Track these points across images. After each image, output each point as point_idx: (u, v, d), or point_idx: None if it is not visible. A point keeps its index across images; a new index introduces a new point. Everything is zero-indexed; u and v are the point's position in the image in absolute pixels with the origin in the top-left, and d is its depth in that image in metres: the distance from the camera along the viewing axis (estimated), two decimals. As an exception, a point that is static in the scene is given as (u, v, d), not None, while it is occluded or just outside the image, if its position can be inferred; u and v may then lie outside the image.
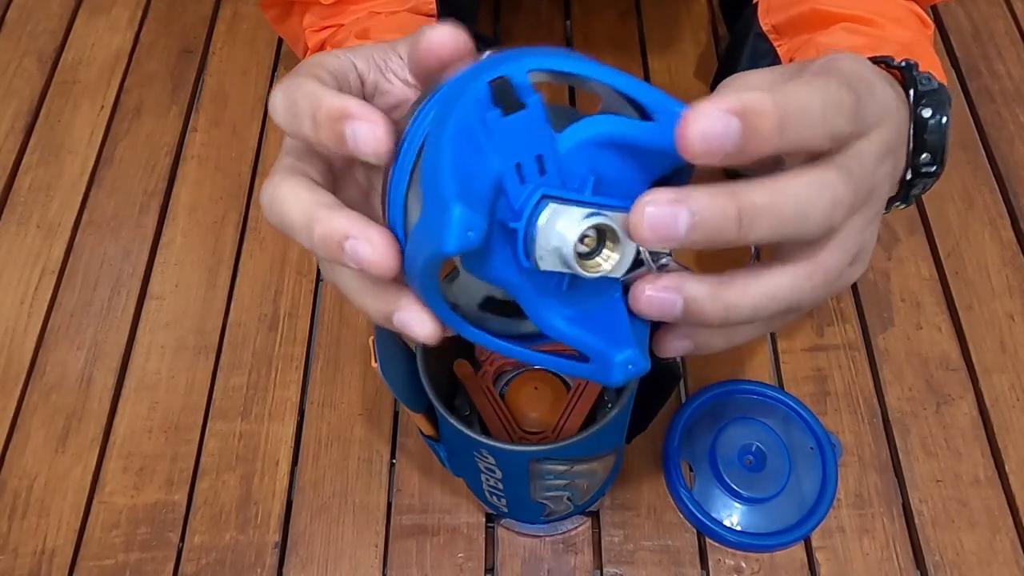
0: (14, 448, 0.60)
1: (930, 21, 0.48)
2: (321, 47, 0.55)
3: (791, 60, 0.47)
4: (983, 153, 0.72)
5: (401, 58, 0.34)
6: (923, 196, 0.69)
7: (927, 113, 0.37)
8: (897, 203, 0.40)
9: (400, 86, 0.34)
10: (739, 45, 0.54)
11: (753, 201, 0.25)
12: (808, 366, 0.62)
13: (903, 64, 0.38)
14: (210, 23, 0.82)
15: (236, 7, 0.83)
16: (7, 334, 0.64)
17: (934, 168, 0.37)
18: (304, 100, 0.28)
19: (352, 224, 0.26)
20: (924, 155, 0.37)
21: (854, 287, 0.66)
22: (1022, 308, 0.65)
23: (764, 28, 0.51)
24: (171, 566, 0.56)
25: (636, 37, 0.79)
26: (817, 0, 0.47)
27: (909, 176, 0.38)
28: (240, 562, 0.56)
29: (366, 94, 0.33)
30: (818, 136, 0.26)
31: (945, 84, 0.38)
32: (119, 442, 0.60)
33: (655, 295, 0.27)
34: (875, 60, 0.38)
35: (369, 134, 0.26)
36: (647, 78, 0.76)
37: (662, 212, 0.24)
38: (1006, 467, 0.58)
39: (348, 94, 0.28)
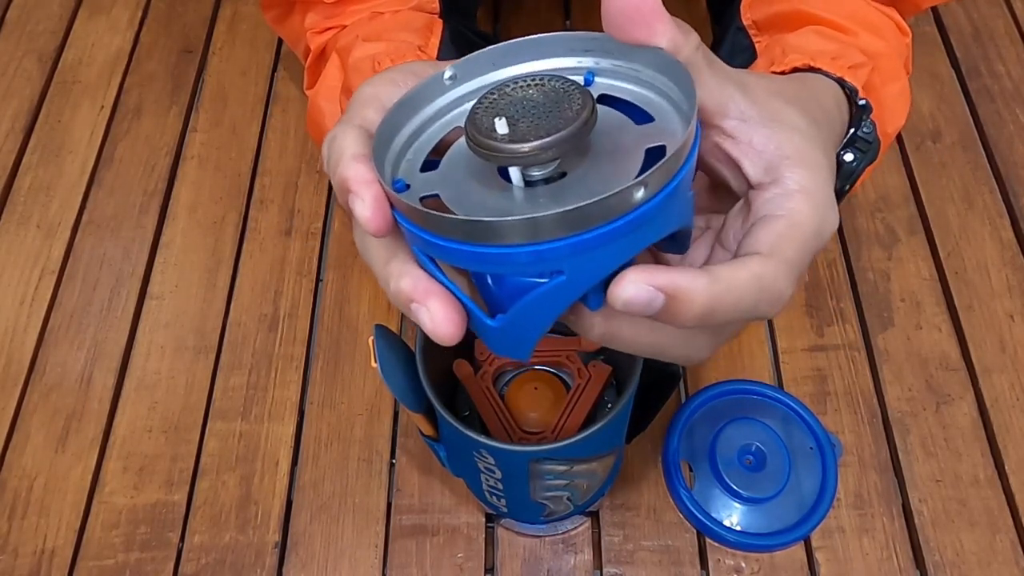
0: (14, 448, 0.60)
1: (908, 29, 0.49)
2: (323, 50, 0.55)
3: (762, 55, 0.47)
4: (983, 153, 0.72)
5: None
6: (923, 197, 0.70)
7: (849, 157, 0.40)
8: None
9: None
10: (721, 39, 0.55)
11: (714, 293, 0.26)
12: (808, 366, 0.62)
13: (861, 103, 0.40)
14: (210, 23, 0.82)
15: (236, 7, 0.83)
16: (7, 334, 0.64)
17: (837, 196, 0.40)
18: (332, 162, 0.29)
19: (415, 290, 0.28)
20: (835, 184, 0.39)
21: (854, 287, 0.66)
22: (1022, 308, 0.65)
23: (745, 23, 0.51)
24: (171, 566, 0.56)
25: (636, 37, 0.79)
26: (801, 0, 0.47)
27: None
28: (240, 562, 0.56)
29: None
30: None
31: (906, 102, 0.42)
32: (119, 442, 0.60)
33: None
34: (842, 83, 0.41)
35: (361, 212, 0.27)
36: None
37: (637, 292, 0.25)
38: (1006, 467, 0.58)
39: (365, 157, 0.28)
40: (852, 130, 0.40)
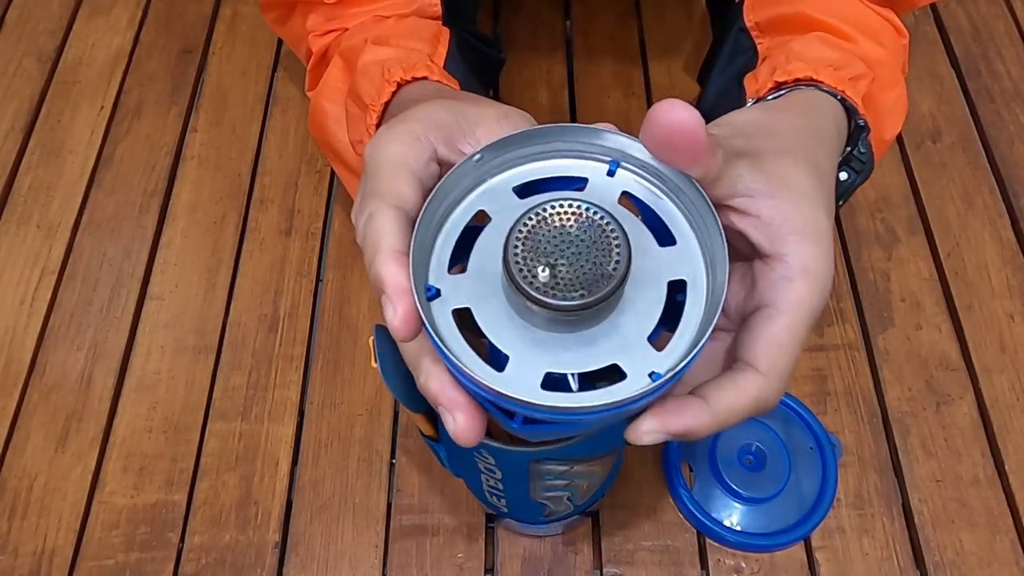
0: (14, 448, 0.60)
1: (905, 31, 0.50)
2: (325, 52, 0.55)
3: (763, 60, 0.47)
4: (983, 153, 0.72)
5: (478, 140, 0.34)
6: (923, 197, 0.70)
7: (843, 176, 0.41)
8: None
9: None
10: (722, 40, 0.55)
11: (725, 416, 0.31)
12: (808, 366, 0.62)
13: (860, 123, 0.42)
14: (210, 23, 0.82)
15: (236, 7, 0.83)
16: (7, 334, 0.64)
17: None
18: (370, 248, 0.30)
19: (441, 394, 0.30)
20: None
21: (854, 287, 0.66)
22: (1022, 308, 0.65)
23: (748, 24, 0.51)
24: (171, 566, 0.56)
25: (636, 38, 0.79)
26: (804, 3, 0.47)
27: None
28: (240, 562, 0.56)
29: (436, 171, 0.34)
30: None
31: (903, 106, 0.43)
32: (119, 442, 0.60)
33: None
34: (842, 100, 0.42)
35: (391, 317, 0.29)
36: (647, 79, 0.76)
37: (658, 438, 0.30)
38: (1006, 467, 0.58)
39: (402, 255, 0.29)
40: (848, 148, 0.41)
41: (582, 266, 0.28)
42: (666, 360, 0.29)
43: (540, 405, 0.27)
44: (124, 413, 0.61)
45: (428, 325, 0.28)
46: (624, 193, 0.32)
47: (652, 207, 0.31)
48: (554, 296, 0.27)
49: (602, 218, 0.28)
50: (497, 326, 0.29)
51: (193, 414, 0.61)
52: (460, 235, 0.31)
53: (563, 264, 0.28)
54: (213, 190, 0.71)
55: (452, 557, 0.56)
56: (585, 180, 0.32)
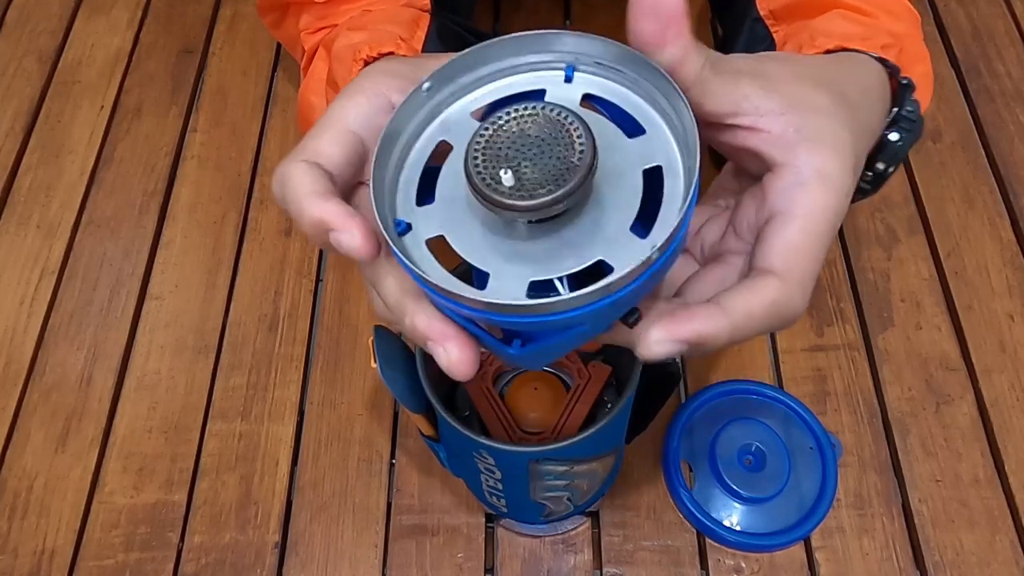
0: (14, 448, 0.60)
1: (917, 12, 0.49)
2: (316, 49, 0.55)
3: (784, 45, 0.47)
4: (983, 153, 0.72)
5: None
6: (923, 197, 0.70)
7: (894, 136, 0.39)
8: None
9: None
10: (735, 33, 0.55)
11: (739, 326, 0.29)
12: (808, 366, 0.62)
13: (904, 81, 0.40)
14: (210, 23, 0.82)
15: (236, 7, 0.83)
16: (7, 334, 0.64)
17: (868, 188, 0.41)
18: (292, 203, 0.29)
19: (430, 329, 0.29)
20: (867, 172, 0.40)
21: (854, 287, 0.66)
22: (1022, 308, 0.65)
23: (762, 13, 0.51)
24: (171, 566, 0.56)
25: (636, 37, 0.79)
26: None
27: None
28: (240, 562, 0.56)
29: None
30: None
31: (930, 81, 0.41)
32: (119, 442, 0.60)
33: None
34: (883, 61, 0.40)
35: (351, 242, 0.28)
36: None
37: (672, 349, 0.28)
38: (1006, 467, 0.58)
39: (329, 193, 0.29)
40: (896, 109, 0.39)
41: (546, 163, 0.27)
42: (651, 245, 0.27)
43: (530, 307, 0.26)
44: (124, 413, 0.61)
45: (404, 259, 0.27)
46: (585, 96, 0.31)
47: (616, 102, 0.30)
48: (521, 198, 0.26)
49: (560, 114, 0.28)
50: (473, 248, 0.28)
51: (193, 414, 0.61)
52: (424, 170, 0.30)
53: (526, 165, 0.27)
54: (213, 190, 0.71)
55: (452, 557, 0.56)
56: (543, 92, 0.31)
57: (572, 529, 0.56)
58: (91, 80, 0.78)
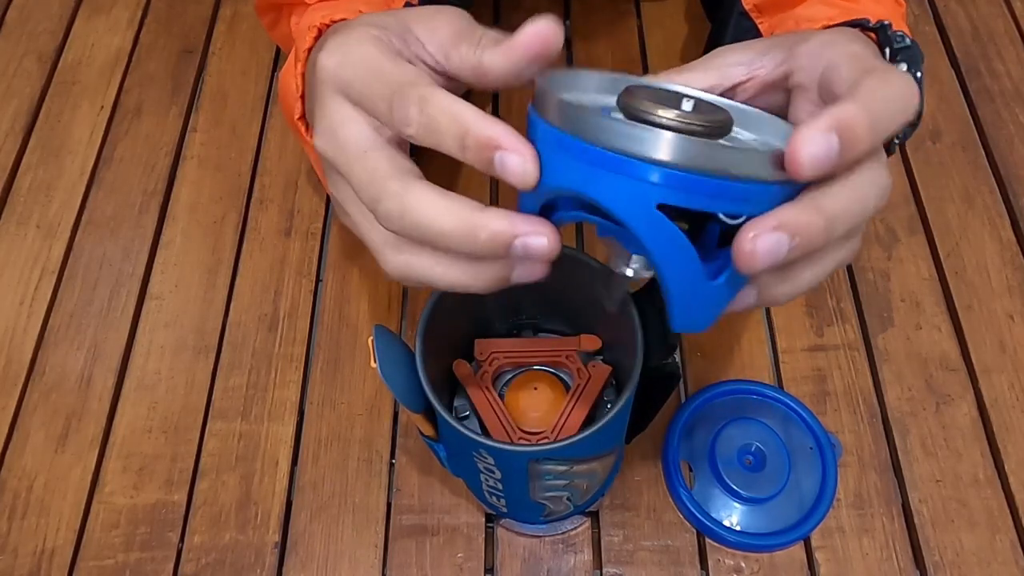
0: (14, 448, 0.60)
1: (903, 3, 0.50)
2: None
3: (773, 33, 0.49)
4: (983, 153, 0.72)
5: (418, 39, 0.35)
6: (923, 197, 0.70)
7: (903, 68, 0.39)
8: None
9: (424, 71, 0.35)
10: (723, 27, 0.56)
11: (834, 211, 0.28)
12: (807, 366, 0.62)
13: (877, 25, 0.41)
14: (210, 23, 0.82)
15: (236, 7, 0.83)
16: (7, 334, 0.64)
17: (911, 123, 0.41)
18: (446, 120, 0.29)
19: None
20: None
21: (854, 287, 0.66)
22: (1022, 308, 0.65)
23: (747, 7, 0.53)
24: (171, 566, 0.56)
25: (635, 35, 0.79)
26: None
27: None
28: (240, 562, 0.56)
29: None
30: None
31: (915, 41, 0.41)
32: (119, 442, 0.60)
33: (767, 239, 0.27)
34: (851, 24, 0.42)
35: (519, 167, 0.28)
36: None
37: (769, 241, 0.27)
38: (1006, 467, 0.58)
39: (492, 120, 0.29)
40: (887, 49, 0.40)
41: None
42: None
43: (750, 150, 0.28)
44: (124, 413, 0.61)
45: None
46: None
47: None
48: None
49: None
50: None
51: (193, 414, 0.61)
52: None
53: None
54: (213, 190, 0.71)
55: (452, 557, 0.56)
56: None
57: (572, 529, 0.56)
58: (91, 80, 0.78)
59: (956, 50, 0.78)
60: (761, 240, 0.26)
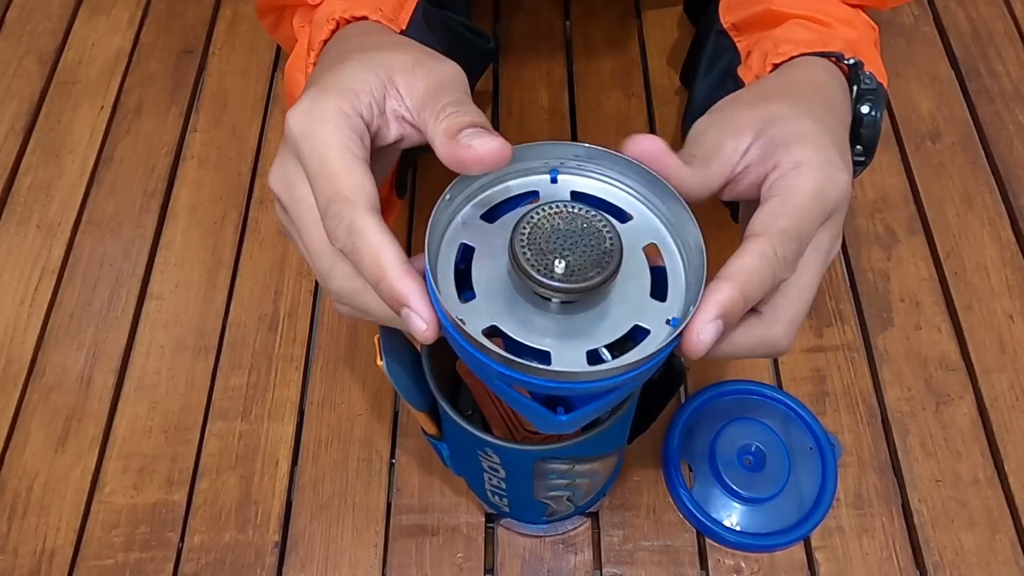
0: (14, 448, 0.60)
1: (875, 25, 0.52)
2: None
3: (749, 54, 0.49)
4: (982, 154, 0.72)
5: (399, 92, 0.36)
6: (922, 197, 0.70)
7: (865, 109, 0.43)
8: None
9: (396, 127, 0.37)
10: (703, 41, 0.57)
11: (741, 285, 0.32)
12: (807, 367, 0.62)
13: (851, 62, 0.44)
14: (210, 23, 0.82)
15: (236, 7, 0.83)
16: (7, 334, 0.64)
17: (863, 159, 0.44)
18: (368, 257, 0.32)
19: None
20: (857, 147, 0.43)
21: (853, 288, 0.66)
22: (1021, 308, 0.65)
23: (724, 25, 0.53)
24: (171, 566, 0.56)
25: (635, 39, 0.79)
26: (771, 1, 0.50)
27: None
28: (240, 562, 0.56)
29: (370, 144, 0.36)
30: (771, 287, 0.33)
31: (884, 84, 0.44)
32: (119, 442, 0.60)
33: (708, 334, 0.32)
34: (827, 55, 0.44)
35: (420, 328, 0.31)
36: (646, 79, 0.76)
37: (711, 331, 0.32)
38: (1005, 467, 0.58)
39: (410, 266, 0.32)
40: (855, 87, 0.43)
41: (584, 251, 0.32)
42: (672, 308, 0.33)
43: (594, 373, 0.30)
44: (124, 413, 0.61)
45: (478, 343, 0.30)
46: (572, 193, 0.36)
47: (599, 196, 0.36)
48: (576, 281, 0.31)
49: (579, 209, 0.33)
50: (527, 331, 0.32)
51: (193, 414, 0.61)
52: (455, 270, 0.34)
53: (569, 255, 0.31)
54: (213, 190, 0.71)
55: (452, 557, 0.56)
56: (536, 193, 0.36)
57: (572, 529, 0.56)
58: (91, 80, 0.78)
59: (956, 50, 0.78)
60: (707, 333, 0.32)
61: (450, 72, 0.36)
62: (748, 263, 0.32)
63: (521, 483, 0.45)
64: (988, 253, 0.67)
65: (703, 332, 0.31)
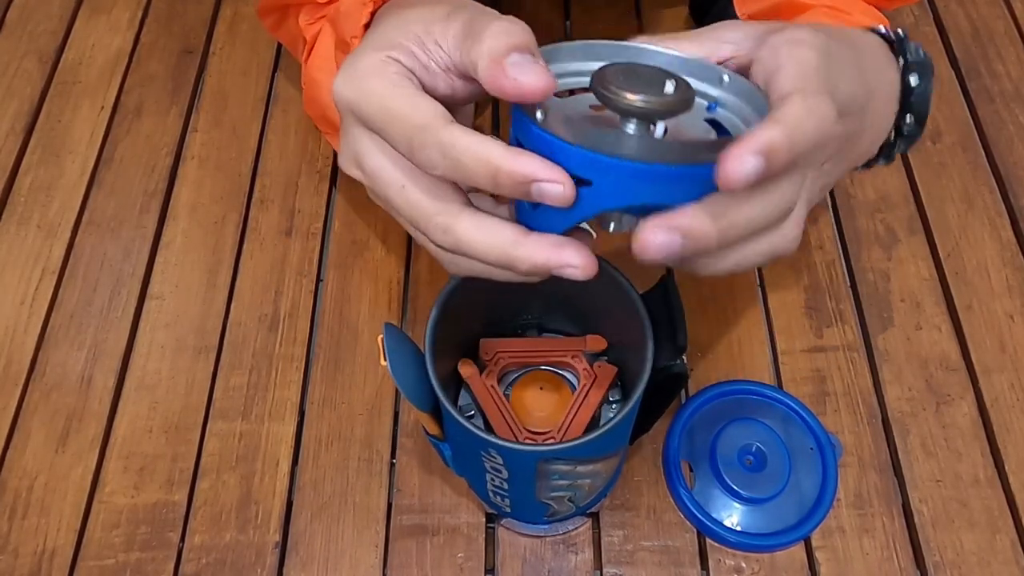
0: (14, 448, 0.60)
1: (886, 20, 0.51)
2: (318, 34, 0.54)
3: None
4: (983, 153, 0.72)
5: (437, 41, 0.35)
6: (923, 197, 0.70)
7: (914, 80, 0.42)
8: (880, 161, 0.45)
9: (443, 81, 0.35)
10: None
11: (732, 220, 0.31)
12: (807, 367, 0.62)
13: (895, 34, 0.43)
14: (210, 23, 0.82)
15: (236, 7, 0.83)
16: (7, 334, 0.64)
17: (916, 130, 0.43)
18: (472, 162, 0.31)
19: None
20: (908, 117, 0.42)
21: (854, 288, 0.66)
22: (1022, 308, 0.65)
23: (741, 17, 0.53)
24: (171, 566, 0.56)
25: (636, 38, 0.79)
26: None
27: (892, 137, 0.43)
28: (240, 562, 0.56)
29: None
30: (807, 158, 0.32)
31: (928, 56, 0.43)
32: (119, 442, 0.60)
33: (660, 236, 0.30)
34: (872, 31, 0.43)
35: (559, 193, 0.30)
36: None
37: (660, 239, 0.30)
38: (1006, 467, 0.58)
39: (519, 152, 0.31)
40: (901, 59, 0.42)
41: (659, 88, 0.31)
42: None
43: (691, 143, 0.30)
44: (124, 413, 0.61)
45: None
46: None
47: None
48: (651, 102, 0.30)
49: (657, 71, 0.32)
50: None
51: (193, 414, 0.61)
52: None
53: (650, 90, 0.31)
54: (213, 190, 0.71)
55: (452, 557, 0.56)
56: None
57: (573, 529, 0.56)
58: (91, 80, 0.78)
59: (956, 50, 0.78)
60: (655, 235, 0.30)
61: (490, 9, 0.35)
62: (797, 112, 0.30)
63: (523, 484, 0.45)
64: (988, 253, 0.67)
65: (745, 161, 0.29)
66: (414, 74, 0.34)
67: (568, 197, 0.30)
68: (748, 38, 0.36)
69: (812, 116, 0.30)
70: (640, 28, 0.80)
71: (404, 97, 0.32)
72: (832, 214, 0.70)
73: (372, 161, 0.34)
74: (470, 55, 0.33)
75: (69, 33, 0.81)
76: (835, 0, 0.48)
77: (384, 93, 0.33)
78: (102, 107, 0.76)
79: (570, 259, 0.31)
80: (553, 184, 0.30)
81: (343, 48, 0.45)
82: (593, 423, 0.49)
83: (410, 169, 0.34)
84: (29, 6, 0.83)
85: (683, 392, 0.61)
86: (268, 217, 0.70)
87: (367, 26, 0.42)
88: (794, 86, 0.31)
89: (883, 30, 0.43)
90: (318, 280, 0.67)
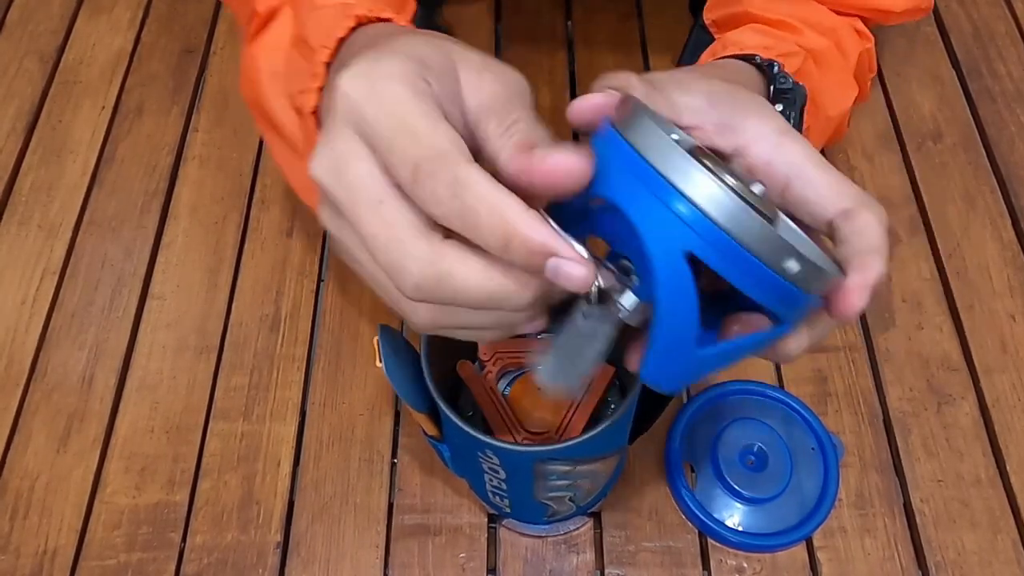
0: (16, 448, 0.60)
1: (870, 36, 0.53)
2: (273, 15, 0.48)
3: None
4: (984, 154, 0.72)
5: (462, 92, 0.30)
6: (924, 197, 0.70)
7: (779, 108, 0.43)
8: None
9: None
10: (691, 36, 0.61)
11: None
12: (808, 367, 0.62)
13: (765, 63, 0.45)
14: (211, 23, 0.82)
15: (237, 7, 0.83)
16: (9, 334, 0.64)
17: None
18: (486, 213, 0.26)
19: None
20: None
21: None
22: (1023, 308, 0.65)
23: (707, 21, 0.55)
24: (173, 566, 0.56)
25: (637, 39, 0.79)
26: (750, 4, 0.51)
27: None
28: (242, 562, 0.56)
29: None
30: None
31: (855, 96, 0.46)
32: (121, 442, 0.60)
33: (863, 294, 0.30)
34: (741, 58, 0.45)
35: (578, 275, 0.26)
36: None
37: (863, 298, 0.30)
38: (1007, 467, 0.58)
39: (539, 218, 0.26)
40: (771, 87, 0.44)
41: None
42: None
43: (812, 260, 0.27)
44: (126, 413, 0.61)
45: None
46: None
47: None
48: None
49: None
50: None
51: (195, 414, 0.61)
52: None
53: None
54: (214, 190, 0.71)
55: (454, 557, 0.56)
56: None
57: (574, 529, 0.56)
58: (92, 80, 0.78)
59: (957, 51, 0.78)
60: (863, 297, 0.30)
61: (521, 84, 0.31)
62: (878, 237, 0.31)
63: (521, 484, 0.45)
64: (990, 253, 0.67)
65: (865, 297, 0.30)
66: (442, 105, 0.29)
67: (588, 280, 0.26)
68: (711, 108, 0.34)
69: (885, 234, 0.31)
70: (641, 28, 0.80)
71: (426, 115, 0.27)
72: (833, 214, 0.70)
73: (358, 167, 0.28)
74: (488, 139, 0.29)
75: (70, 33, 0.81)
76: (790, 15, 0.49)
77: (405, 101, 0.27)
78: (103, 107, 0.76)
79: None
80: (573, 264, 0.26)
81: (303, 50, 0.40)
82: (592, 423, 0.49)
83: (397, 188, 0.28)
84: (30, 6, 0.83)
85: (684, 392, 0.61)
86: (269, 217, 0.70)
87: (343, 40, 0.38)
88: (853, 202, 0.32)
89: (757, 59, 0.45)
90: (319, 280, 0.67)
